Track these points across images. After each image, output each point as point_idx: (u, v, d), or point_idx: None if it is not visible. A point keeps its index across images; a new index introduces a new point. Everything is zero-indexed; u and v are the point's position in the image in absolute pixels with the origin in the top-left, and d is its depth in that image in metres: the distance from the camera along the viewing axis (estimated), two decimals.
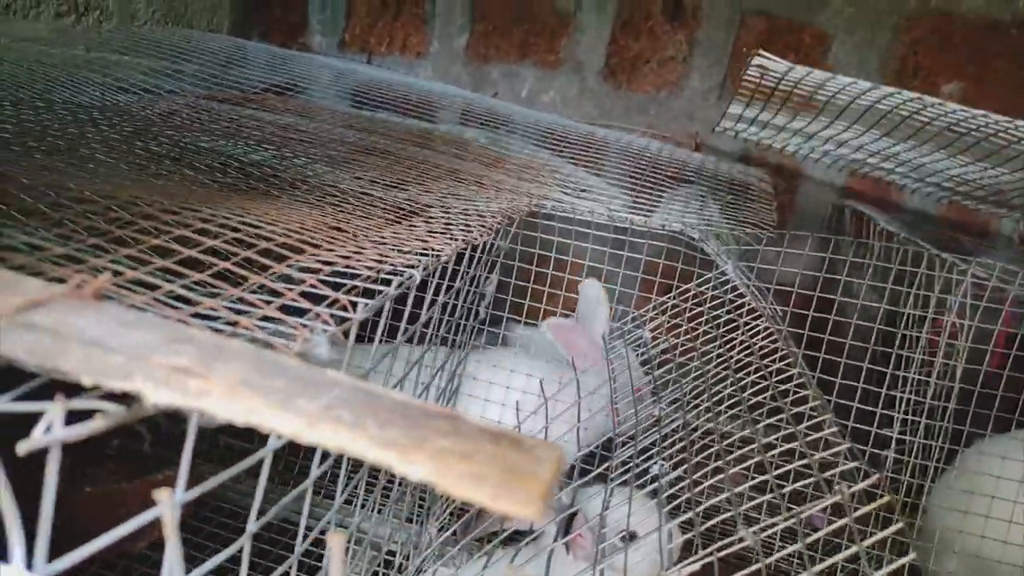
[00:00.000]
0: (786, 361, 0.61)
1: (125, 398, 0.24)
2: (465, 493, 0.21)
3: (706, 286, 0.94)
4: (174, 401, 0.22)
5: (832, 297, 0.99)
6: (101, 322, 0.24)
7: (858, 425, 0.89)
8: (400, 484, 0.98)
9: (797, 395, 0.56)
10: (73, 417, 0.23)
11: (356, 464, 0.55)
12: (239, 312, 0.34)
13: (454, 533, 0.85)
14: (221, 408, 0.22)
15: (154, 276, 0.34)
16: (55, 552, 0.23)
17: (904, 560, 0.35)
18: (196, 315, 0.33)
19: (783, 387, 0.59)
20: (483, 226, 0.76)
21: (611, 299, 1.20)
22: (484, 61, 1.77)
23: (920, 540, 1.03)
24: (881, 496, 0.37)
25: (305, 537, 0.47)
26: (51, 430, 0.22)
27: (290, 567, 0.43)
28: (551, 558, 0.63)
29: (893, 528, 0.35)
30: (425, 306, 0.70)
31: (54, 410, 0.22)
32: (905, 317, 0.89)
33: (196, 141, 0.82)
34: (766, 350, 0.67)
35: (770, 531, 0.40)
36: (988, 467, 0.96)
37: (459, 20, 1.77)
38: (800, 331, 1.01)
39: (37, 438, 0.22)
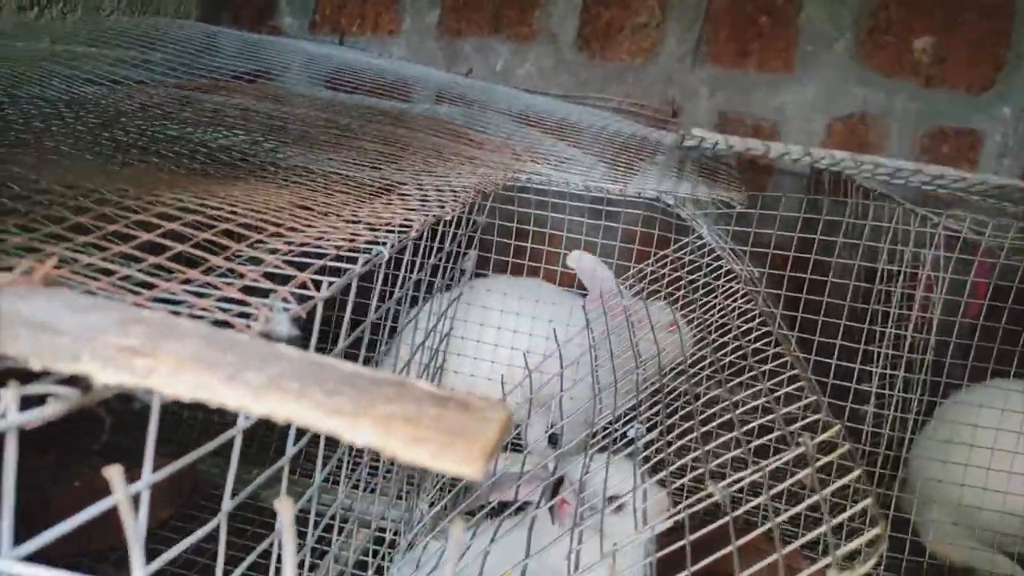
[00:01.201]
0: (761, 320, 0.62)
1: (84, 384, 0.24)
2: (408, 455, 0.21)
3: (684, 251, 0.95)
4: (123, 381, 0.22)
5: (810, 256, 1.00)
6: (50, 307, 0.25)
7: (839, 382, 0.91)
8: (390, 461, 0.99)
9: (771, 354, 0.57)
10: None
11: (334, 442, 0.55)
12: (201, 295, 0.35)
13: (444, 507, 0.86)
14: (169, 384, 0.22)
15: (113, 262, 0.34)
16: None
17: (863, 505, 0.36)
18: (157, 299, 0.33)
19: (757, 346, 0.60)
20: (456, 200, 0.76)
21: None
22: (457, 35, 1.76)
23: (904, 492, 1.05)
24: (842, 446, 0.38)
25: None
26: (6, 416, 0.23)
27: (271, 544, 0.44)
28: (533, 525, 0.64)
29: (852, 475, 0.36)
30: (399, 283, 0.71)
31: (8, 396, 0.22)
32: (880, 272, 0.90)
33: (164, 129, 0.81)
34: (742, 311, 0.68)
35: (738, 485, 0.41)
36: (966, 417, 0.98)
37: None
38: (779, 291, 1.02)
39: None
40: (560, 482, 0.80)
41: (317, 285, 0.43)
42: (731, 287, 0.79)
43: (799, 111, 1.60)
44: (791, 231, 1.00)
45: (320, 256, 0.46)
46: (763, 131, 1.62)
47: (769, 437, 0.42)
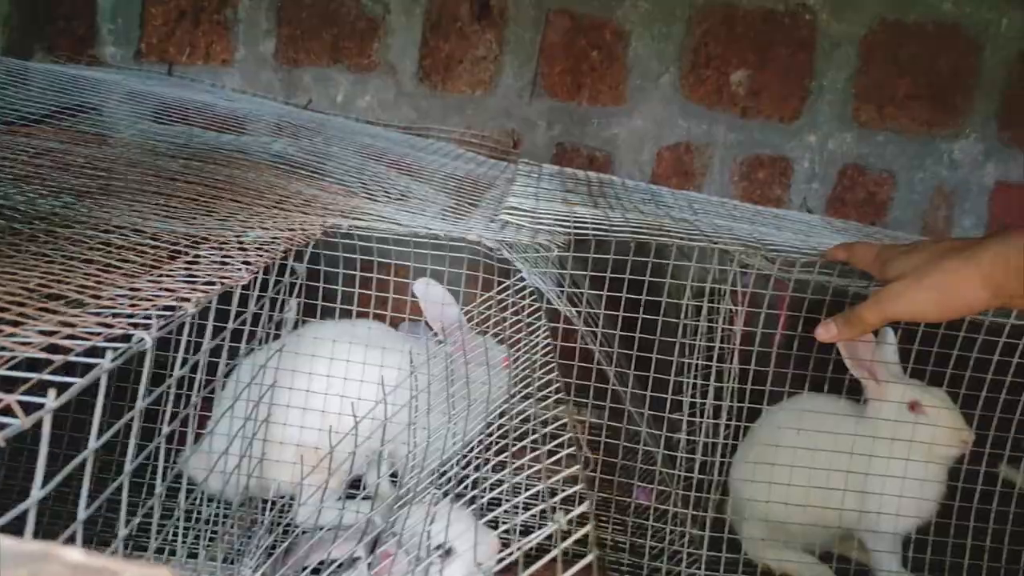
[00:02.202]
0: (546, 368, 0.65)
1: None
2: None
3: (507, 292, 0.97)
4: None
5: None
6: None
7: (655, 412, 0.95)
8: (216, 524, 0.95)
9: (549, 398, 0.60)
10: None
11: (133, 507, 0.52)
12: None
13: (264, 573, 0.83)
14: None
15: None
16: None
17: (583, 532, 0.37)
18: None
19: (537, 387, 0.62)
20: (260, 258, 0.74)
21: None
22: (295, 65, 1.72)
23: (733, 512, 1.12)
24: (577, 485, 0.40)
25: None
26: None
27: None
28: None
29: (578, 510, 0.38)
30: (207, 336, 0.68)
31: None
32: (684, 307, 0.95)
33: None
34: (542, 364, 0.70)
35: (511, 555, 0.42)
36: (767, 438, 1.06)
37: (264, 25, 1.71)
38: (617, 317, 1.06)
39: None
40: (379, 536, 0.80)
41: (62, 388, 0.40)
42: (536, 332, 0.81)
43: (630, 142, 1.68)
44: (619, 267, 1.04)
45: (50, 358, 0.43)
46: (598, 161, 1.69)
47: (531, 513, 0.43)
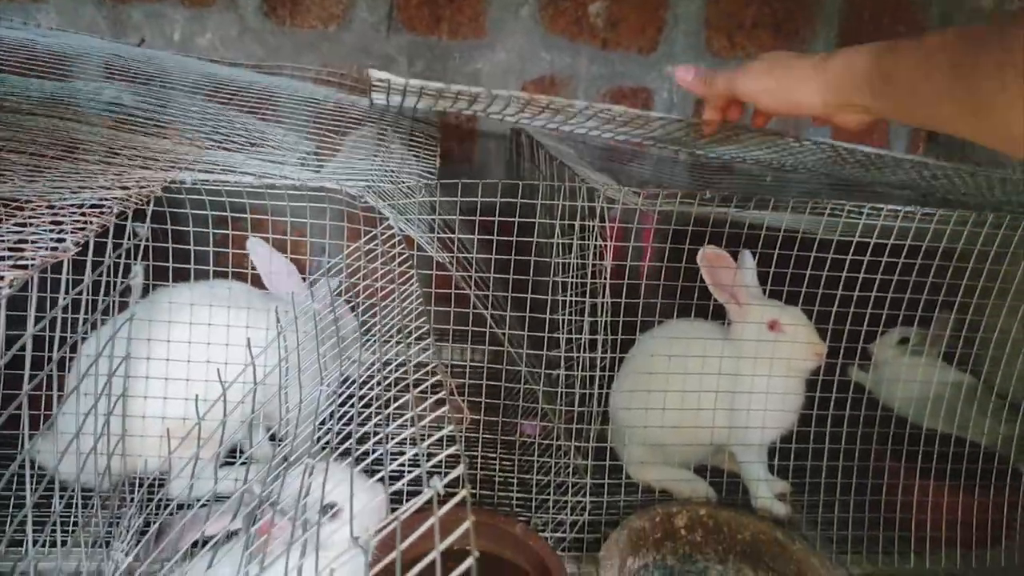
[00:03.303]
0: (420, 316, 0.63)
1: None
2: None
3: (376, 241, 0.93)
4: None
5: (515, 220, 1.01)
6: None
7: (534, 351, 0.96)
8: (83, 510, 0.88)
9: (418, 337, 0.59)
10: None
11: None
12: None
13: (138, 556, 0.78)
14: None
15: None
16: None
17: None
18: None
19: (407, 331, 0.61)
20: (91, 225, 0.66)
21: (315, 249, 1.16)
22: (122, 1, 1.55)
23: (613, 440, 1.16)
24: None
25: None
26: None
27: None
28: (242, 556, 0.60)
29: (444, 431, 0.38)
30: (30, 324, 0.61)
31: None
32: (555, 245, 0.95)
33: None
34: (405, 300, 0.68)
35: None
36: (641, 366, 1.09)
37: None
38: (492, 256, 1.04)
39: None
40: (258, 506, 0.76)
41: None
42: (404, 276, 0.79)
43: (493, 76, 1.64)
44: (497, 197, 1.02)
45: None
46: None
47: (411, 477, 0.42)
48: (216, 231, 0.95)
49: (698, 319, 1.17)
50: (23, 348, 0.56)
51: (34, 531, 0.66)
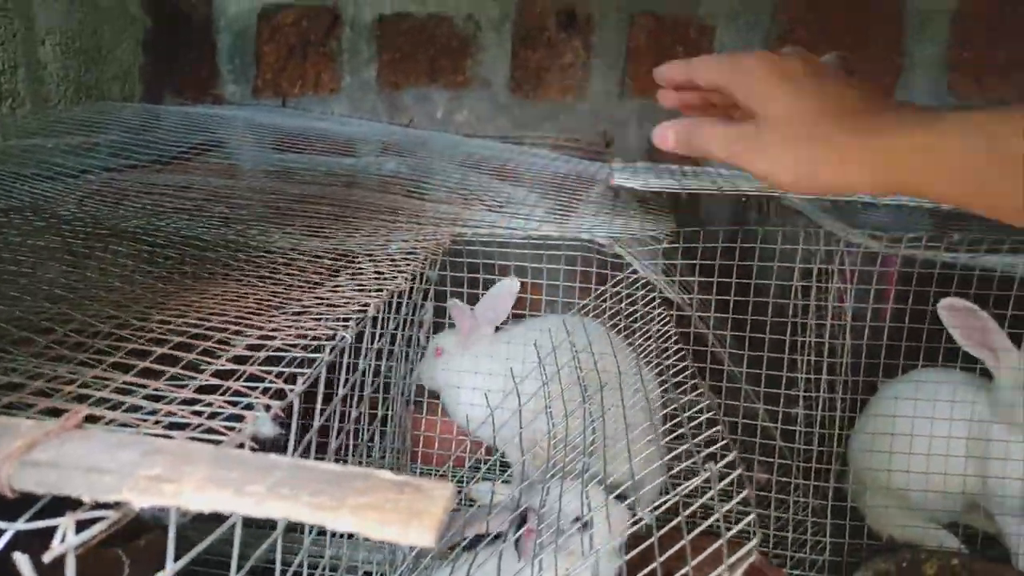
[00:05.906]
0: (680, 355, 0.71)
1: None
2: (378, 535, 0.29)
3: (620, 285, 1.04)
4: (155, 502, 0.30)
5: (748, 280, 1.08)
6: (89, 449, 0.32)
7: (770, 390, 1.00)
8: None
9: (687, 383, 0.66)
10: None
11: None
12: (197, 412, 0.42)
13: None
14: (192, 503, 0.30)
15: (121, 391, 0.41)
16: None
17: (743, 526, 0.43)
18: (158, 423, 0.40)
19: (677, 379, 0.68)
20: (408, 266, 0.83)
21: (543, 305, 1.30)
22: (396, 88, 1.84)
23: (853, 483, 1.15)
24: (737, 470, 0.46)
25: (284, 573, 0.55)
26: (65, 539, 0.30)
27: None
28: (501, 556, 0.71)
29: (738, 497, 0.44)
30: (363, 355, 0.78)
31: (67, 523, 0.30)
32: (794, 289, 1.00)
33: (118, 225, 0.87)
34: (667, 342, 0.77)
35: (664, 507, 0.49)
36: (886, 409, 1.08)
37: (366, 53, 1.84)
38: (717, 314, 1.11)
39: (57, 547, 0.29)
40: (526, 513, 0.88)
41: (291, 379, 0.50)
42: (660, 317, 0.87)
43: None
44: (724, 254, 1.09)
45: (282, 355, 0.53)
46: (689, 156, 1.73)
47: (683, 466, 0.50)
48: (486, 276, 1.11)
49: (947, 366, 1.13)
50: (364, 372, 0.72)
51: None
